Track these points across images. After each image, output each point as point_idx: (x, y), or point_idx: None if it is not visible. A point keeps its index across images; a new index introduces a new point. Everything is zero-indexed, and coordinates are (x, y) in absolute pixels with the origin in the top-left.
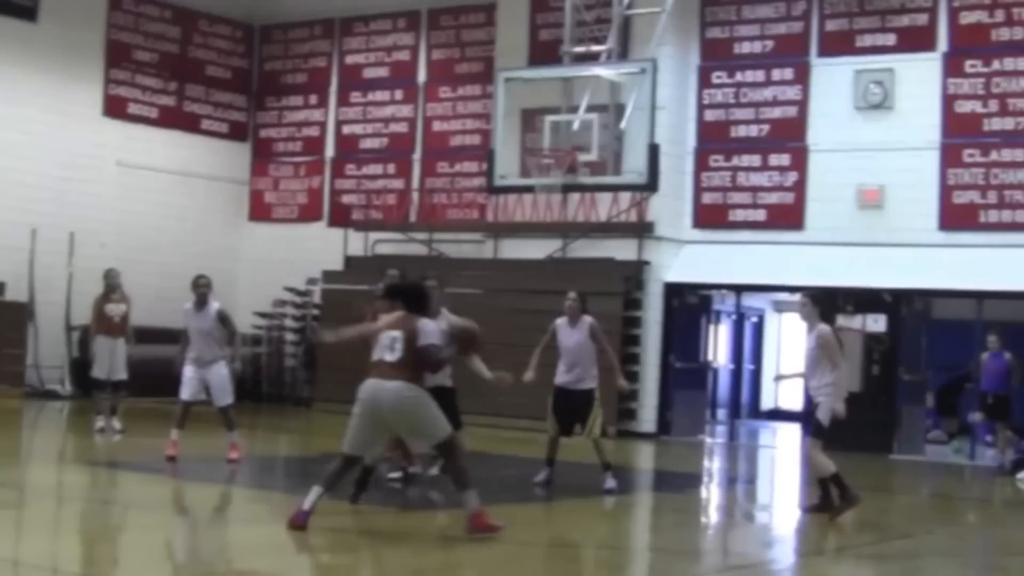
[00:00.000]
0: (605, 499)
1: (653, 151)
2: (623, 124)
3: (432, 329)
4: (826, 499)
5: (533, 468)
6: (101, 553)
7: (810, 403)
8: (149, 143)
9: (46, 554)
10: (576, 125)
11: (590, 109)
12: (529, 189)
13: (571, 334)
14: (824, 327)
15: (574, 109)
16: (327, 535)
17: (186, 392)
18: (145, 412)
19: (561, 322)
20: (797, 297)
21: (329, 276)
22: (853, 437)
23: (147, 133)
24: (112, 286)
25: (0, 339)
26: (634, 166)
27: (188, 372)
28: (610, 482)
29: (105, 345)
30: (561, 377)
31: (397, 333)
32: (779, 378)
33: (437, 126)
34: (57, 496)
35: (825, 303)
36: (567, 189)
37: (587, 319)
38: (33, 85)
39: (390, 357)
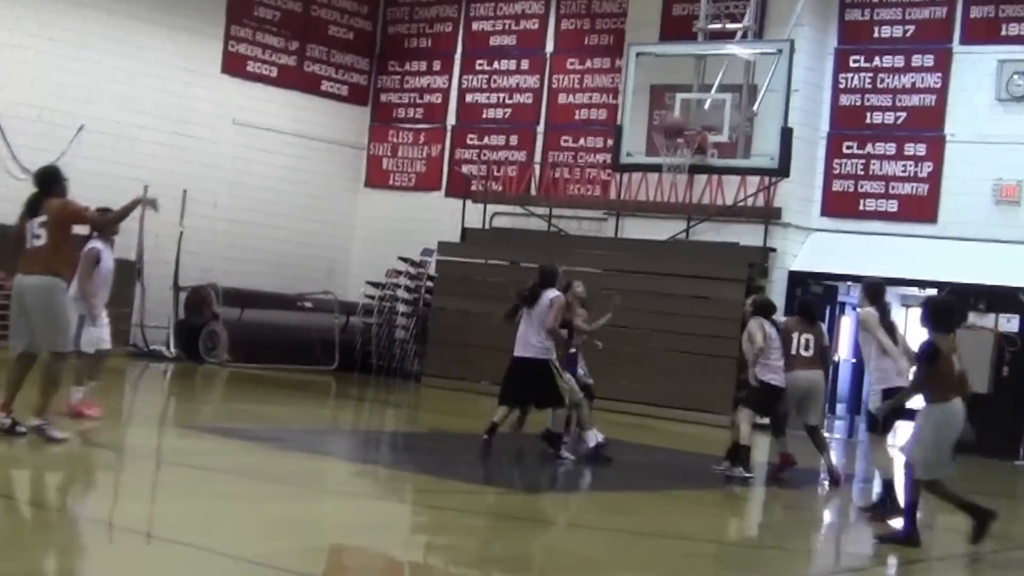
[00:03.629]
0: (721, 491)
1: (786, 135)
2: (756, 106)
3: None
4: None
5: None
6: (201, 520)
7: None
8: (267, 103)
9: (143, 519)
10: (707, 104)
11: (722, 88)
12: (655, 168)
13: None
14: None
15: (706, 88)
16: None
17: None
18: (249, 378)
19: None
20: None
21: (445, 248)
22: (979, 441)
23: (265, 93)
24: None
25: None
26: (765, 149)
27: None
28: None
29: None
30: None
31: (811, 336)
32: None
33: (563, 98)
34: (156, 460)
35: None
36: (694, 170)
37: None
38: (153, 39)
39: (807, 353)
